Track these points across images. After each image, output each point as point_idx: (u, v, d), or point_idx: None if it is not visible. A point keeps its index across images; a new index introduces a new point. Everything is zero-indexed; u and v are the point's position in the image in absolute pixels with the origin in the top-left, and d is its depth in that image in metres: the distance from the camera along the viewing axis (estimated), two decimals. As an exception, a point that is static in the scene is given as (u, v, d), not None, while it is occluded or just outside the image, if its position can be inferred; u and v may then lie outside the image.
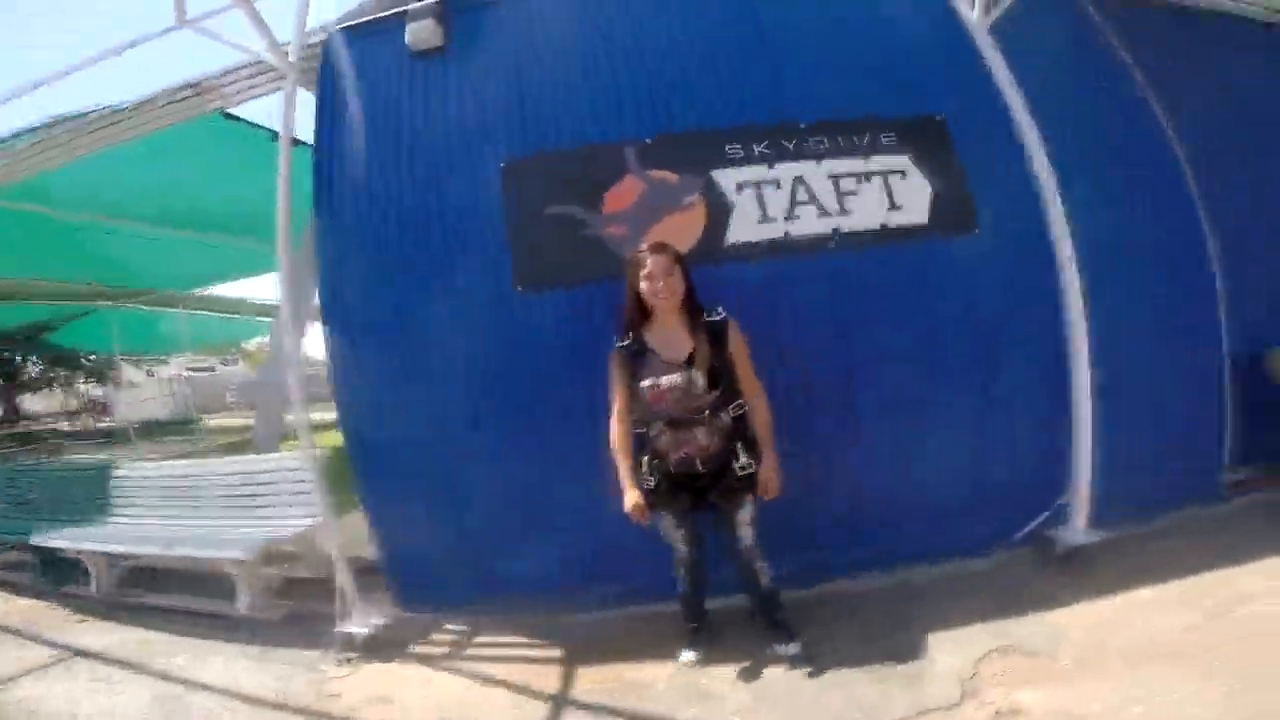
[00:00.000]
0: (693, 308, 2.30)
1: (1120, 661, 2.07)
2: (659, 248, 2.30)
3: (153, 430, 13.84)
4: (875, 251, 2.86)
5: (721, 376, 2.20)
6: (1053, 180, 2.78)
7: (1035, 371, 2.91)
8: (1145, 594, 2.45)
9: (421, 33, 3.07)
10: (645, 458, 2.28)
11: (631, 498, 2.26)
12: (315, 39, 3.21)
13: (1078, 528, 2.77)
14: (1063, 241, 2.77)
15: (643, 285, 2.25)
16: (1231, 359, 3.20)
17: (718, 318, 2.28)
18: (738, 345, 2.29)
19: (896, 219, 2.87)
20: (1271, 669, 1.91)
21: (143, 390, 20.12)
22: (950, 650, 2.27)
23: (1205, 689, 1.86)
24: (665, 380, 2.18)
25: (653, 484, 2.26)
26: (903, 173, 2.92)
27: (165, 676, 2.74)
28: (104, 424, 18.85)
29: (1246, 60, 3.76)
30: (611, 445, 2.33)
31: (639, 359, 2.26)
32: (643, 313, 2.29)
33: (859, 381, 2.84)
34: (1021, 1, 2.82)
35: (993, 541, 2.90)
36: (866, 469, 2.86)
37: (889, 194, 2.89)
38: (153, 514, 3.93)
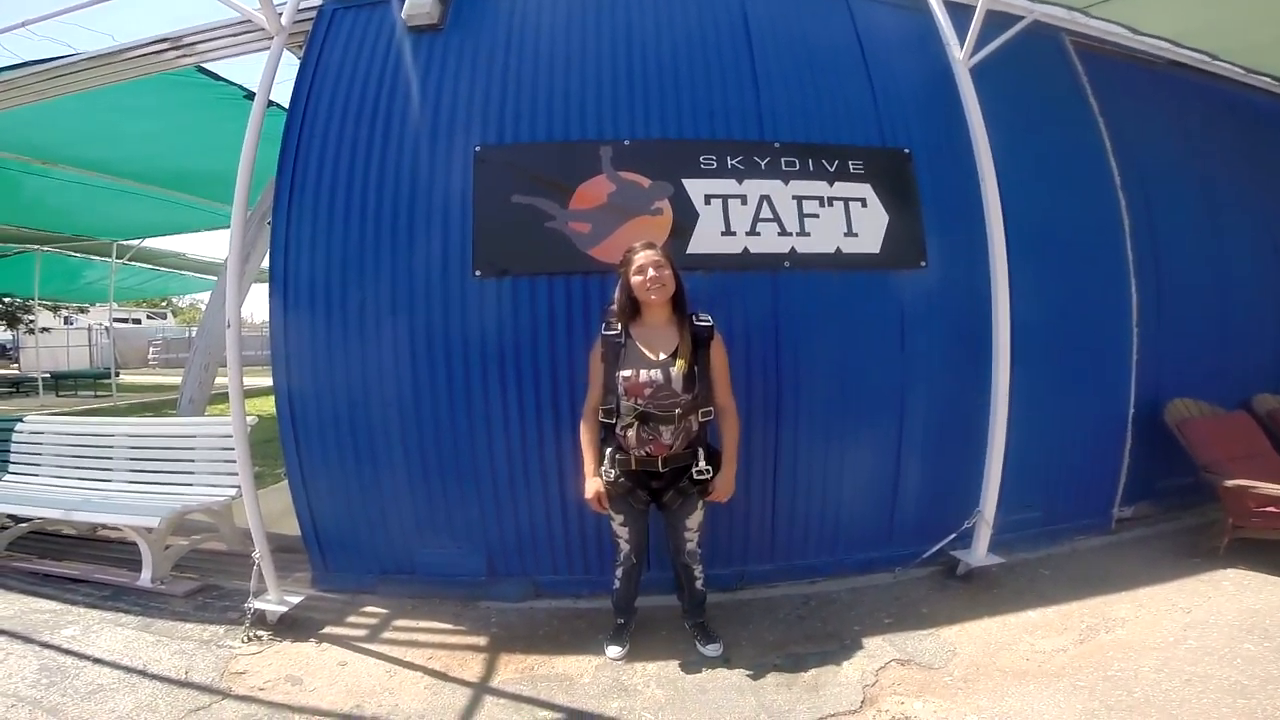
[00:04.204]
0: (681, 307, 2.33)
1: (1002, 678, 2.24)
2: (649, 245, 2.34)
3: (65, 382, 12.95)
4: (824, 275, 2.94)
5: (698, 380, 2.24)
6: (1001, 228, 2.89)
7: (956, 404, 3.05)
8: (1031, 615, 2.66)
9: (421, 6, 3.02)
10: (609, 450, 2.29)
11: (593, 485, 2.28)
12: (310, 2, 3.17)
13: (979, 551, 2.94)
14: (1001, 287, 2.88)
15: (633, 279, 2.27)
16: (1135, 408, 3.48)
17: (705, 324, 2.32)
18: (718, 356, 2.33)
19: (851, 246, 2.96)
20: (1122, 691, 2.13)
21: (57, 338, 18.77)
22: (855, 659, 2.39)
23: (1068, 708, 2.05)
24: (645, 373, 2.21)
25: (612, 477, 2.27)
26: (863, 201, 3.00)
27: (56, 648, 2.56)
28: (10, 371, 17.47)
29: (1208, 122, 3.97)
30: (581, 437, 2.36)
31: (622, 350, 2.28)
32: (634, 308, 2.32)
33: (785, 401, 2.92)
34: (1009, 44, 2.89)
35: (901, 558, 3.05)
36: (789, 482, 2.95)
37: (848, 220, 2.97)
38: (57, 474, 3.67)
